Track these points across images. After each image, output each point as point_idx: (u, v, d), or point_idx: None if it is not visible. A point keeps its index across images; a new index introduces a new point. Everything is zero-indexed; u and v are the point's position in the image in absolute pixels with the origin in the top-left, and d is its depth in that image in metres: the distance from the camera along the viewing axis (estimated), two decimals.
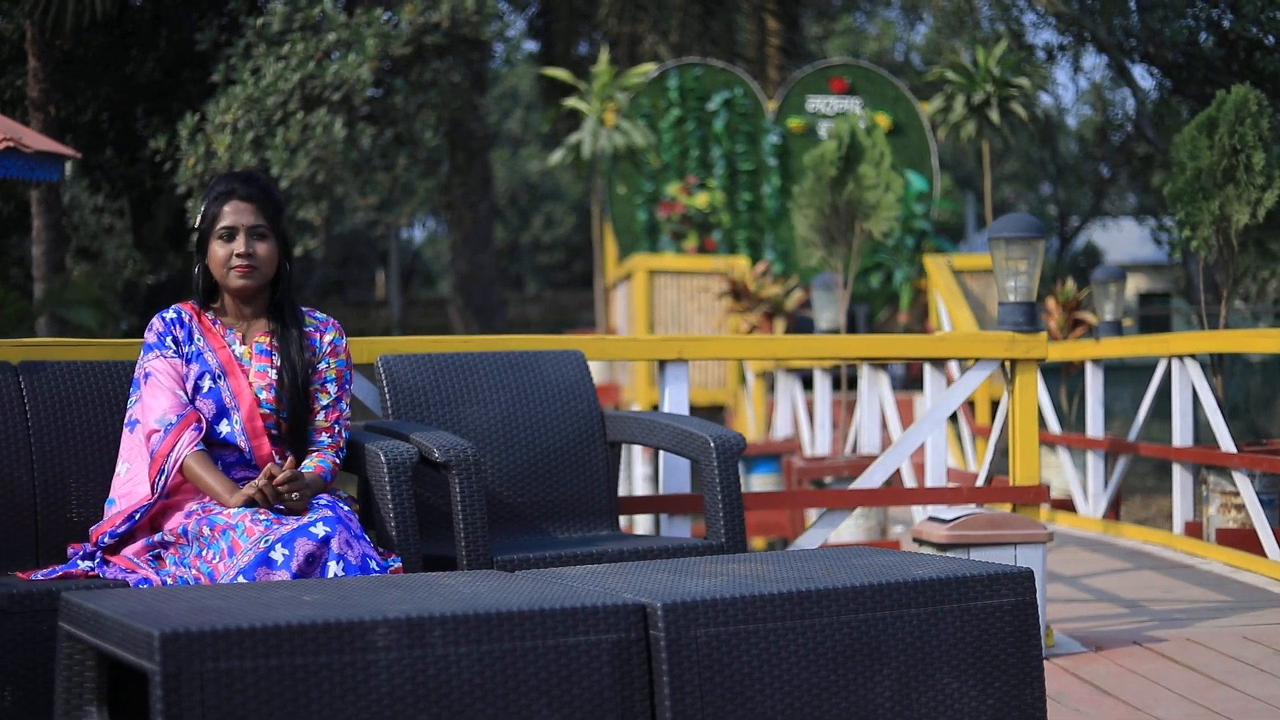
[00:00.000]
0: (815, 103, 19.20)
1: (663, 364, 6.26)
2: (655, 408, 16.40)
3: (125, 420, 4.90)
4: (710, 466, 5.29)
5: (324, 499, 4.68)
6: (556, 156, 18.89)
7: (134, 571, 4.65)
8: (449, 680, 3.51)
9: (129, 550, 4.74)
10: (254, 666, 3.32)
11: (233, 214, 4.86)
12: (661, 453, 6.08)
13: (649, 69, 19.02)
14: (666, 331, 16.63)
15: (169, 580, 4.58)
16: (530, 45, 36.97)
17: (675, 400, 6.23)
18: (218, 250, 4.88)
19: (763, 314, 12.49)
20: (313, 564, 4.40)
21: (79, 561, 4.76)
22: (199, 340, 4.89)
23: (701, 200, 18.65)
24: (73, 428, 4.99)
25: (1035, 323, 6.69)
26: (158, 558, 4.71)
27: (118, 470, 4.85)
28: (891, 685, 3.97)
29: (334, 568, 4.41)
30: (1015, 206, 32.83)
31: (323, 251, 19.78)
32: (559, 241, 41.21)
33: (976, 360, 6.63)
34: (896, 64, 32.17)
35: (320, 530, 4.44)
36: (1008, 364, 6.64)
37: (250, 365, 4.90)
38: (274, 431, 4.87)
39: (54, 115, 22.02)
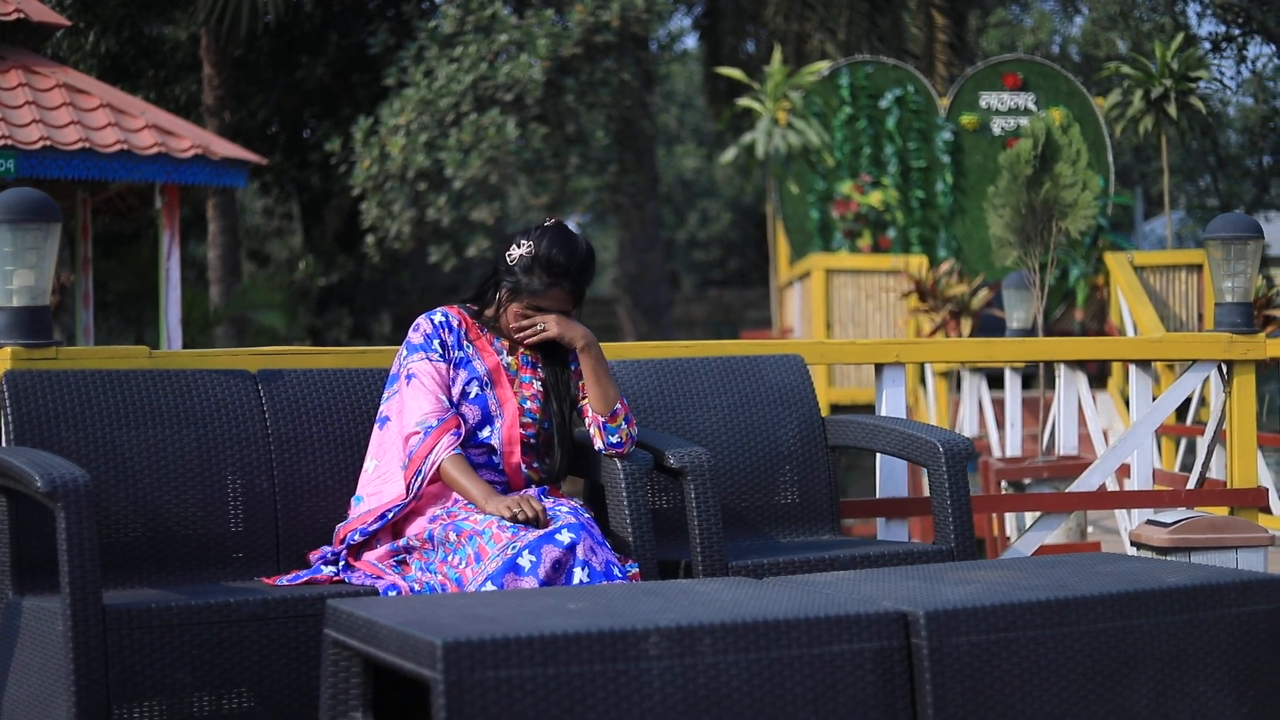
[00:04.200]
0: (988, 98, 19.06)
1: (880, 368, 6.24)
2: (833, 406, 16.35)
3: (376, 417, 4.96)
4: (939, 471, 5.26)
5: (565, 506, 4.70)
6: (729, 156, 18.88)
7: (379, 577, 4.69)
8: (719, 689, 3.53)
9: (372, 555, 4.78)
10: (532, 675, 3.36)
11: (552, 302, 4.86)
12: (880, 456, 6.05)
13: (822, 67, 18.97)
14: (845, 331, 16.58)
15: (415, 586, 4.62)
16: (689, 42, 36.96)
17: (893, 404, 6.20)
18: (517, 310, 4.89)
19: (948, 313, 12.42)
20: (559, 571, 4.43)
21: (322, 567, 4.81)
22: (468, 346, 4.93)
23: (875, 198, 18.58)
24: (311, 434, 5.06)
25: (1252, 323, 6.58)
26: (402, 563, 4.75)
27: (365, 467, 4.90)
28: (1148, 694, 3.94)
29: (579, 574, 4.45)
30: (1175, 199, 32.32)
31: (494, 253, 19.94)
32: (715, 238, 41.15)
33: (1193, 362, 6.54)
34: (1054, 56, 31.81)
35: (566, 537, 4.47)
36: (1223, 365, 6.54)
37: (517, 375, 4.95)
38: (531, 441, 4.91)
39: (227, 120, 22.38)
